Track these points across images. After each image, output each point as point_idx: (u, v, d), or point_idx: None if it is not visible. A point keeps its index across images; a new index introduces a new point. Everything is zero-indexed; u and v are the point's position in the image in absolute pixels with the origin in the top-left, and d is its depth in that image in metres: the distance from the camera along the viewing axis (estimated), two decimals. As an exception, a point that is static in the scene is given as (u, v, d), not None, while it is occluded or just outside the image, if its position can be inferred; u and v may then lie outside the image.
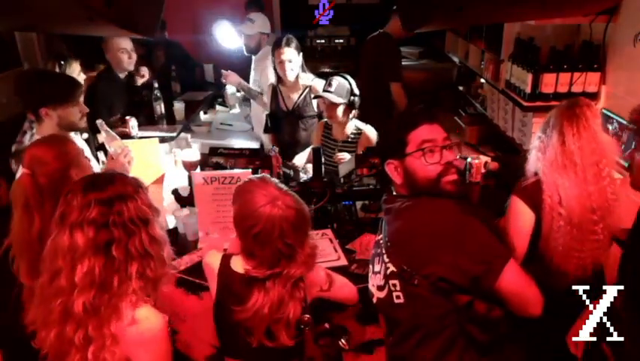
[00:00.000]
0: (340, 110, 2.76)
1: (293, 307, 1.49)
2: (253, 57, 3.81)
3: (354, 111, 2.82)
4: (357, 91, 2.79)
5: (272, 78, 3.31)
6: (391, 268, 1.50)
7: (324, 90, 2.77)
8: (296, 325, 1.52)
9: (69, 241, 1.27)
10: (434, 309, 1.42)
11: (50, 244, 1.31)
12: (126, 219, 1.29)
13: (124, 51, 3.34)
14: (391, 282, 1.50)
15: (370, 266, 1.67)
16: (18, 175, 1.84)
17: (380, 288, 1.56)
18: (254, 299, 1.47)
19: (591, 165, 1.75)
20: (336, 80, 2.76)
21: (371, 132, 2.85)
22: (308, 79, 3.23)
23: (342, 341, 1.71)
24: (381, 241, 1.61)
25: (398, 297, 1.48)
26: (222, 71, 3.68)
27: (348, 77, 2.81)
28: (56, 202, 1.63)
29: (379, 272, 1.56)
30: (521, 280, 1.42)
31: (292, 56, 3.06)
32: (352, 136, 2.85)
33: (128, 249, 1.29)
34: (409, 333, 1.48)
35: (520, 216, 1.84)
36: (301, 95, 3.22)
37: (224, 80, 3.70)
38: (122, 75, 3.45)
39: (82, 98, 2.32)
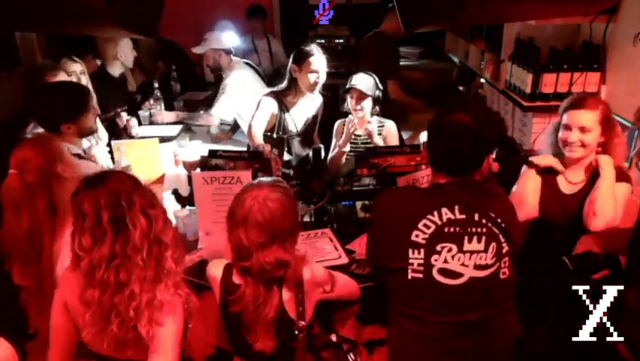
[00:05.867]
0: (368, 103, 2.78)
1: (269, 309, 1.49)
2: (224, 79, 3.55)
3: (376, 107, 2.83)
4: (381, 87, 2.83)
5: (269, 104, 2.89)
6: (506, 247, 1.55)
7: (353, 83, 2.77)
8: (279, 329, 1.51)
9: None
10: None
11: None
12: (140, 210, 1.40)
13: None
14: (504, 260, 1.55)
15: (452, 246, 1.52)
16: None
17: (483, 267, 1.52)
18: (241, 291, 1.50)
19: None
20: (361, 75, 2.80)
21: (392, 126, 2.89)
22: (318, 97, 3.05)
23: (351, 355, 1.67)
24: (479, 220, 1.54)
25: (504, 273, 1.56)
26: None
27: (372, 74, 2.83)
28: (48, 197, 1.68)
29: (485, 251, 1.52)
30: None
31: (323, 68, 2.83)
32: (377, 129, 2.84)
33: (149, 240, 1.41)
34: (503, 303, 1.59)
35: None
36: (313, 111, 3.03)
37: None
38: (115, 74, 3.39)
39: (94, 101, 2.35)
